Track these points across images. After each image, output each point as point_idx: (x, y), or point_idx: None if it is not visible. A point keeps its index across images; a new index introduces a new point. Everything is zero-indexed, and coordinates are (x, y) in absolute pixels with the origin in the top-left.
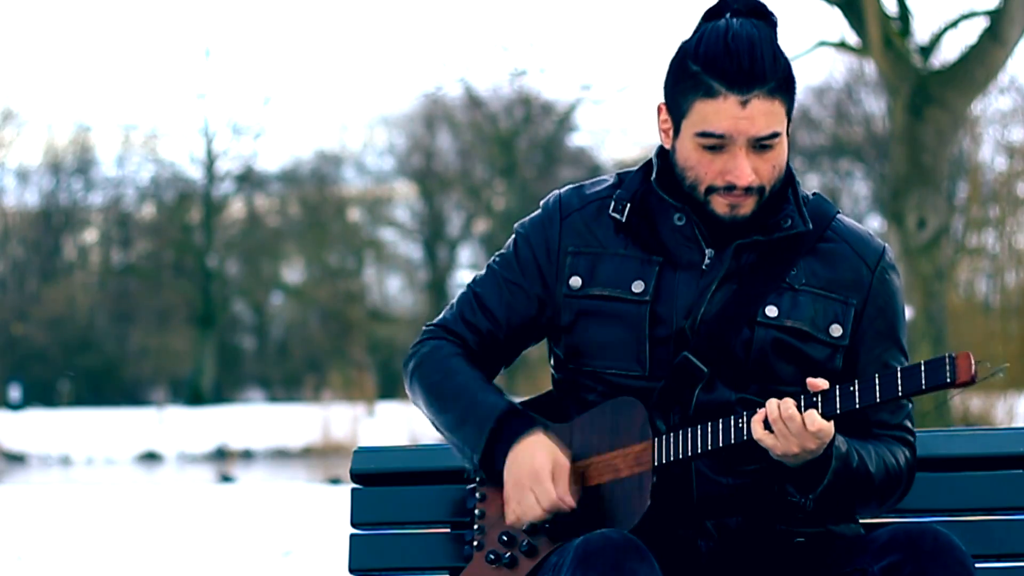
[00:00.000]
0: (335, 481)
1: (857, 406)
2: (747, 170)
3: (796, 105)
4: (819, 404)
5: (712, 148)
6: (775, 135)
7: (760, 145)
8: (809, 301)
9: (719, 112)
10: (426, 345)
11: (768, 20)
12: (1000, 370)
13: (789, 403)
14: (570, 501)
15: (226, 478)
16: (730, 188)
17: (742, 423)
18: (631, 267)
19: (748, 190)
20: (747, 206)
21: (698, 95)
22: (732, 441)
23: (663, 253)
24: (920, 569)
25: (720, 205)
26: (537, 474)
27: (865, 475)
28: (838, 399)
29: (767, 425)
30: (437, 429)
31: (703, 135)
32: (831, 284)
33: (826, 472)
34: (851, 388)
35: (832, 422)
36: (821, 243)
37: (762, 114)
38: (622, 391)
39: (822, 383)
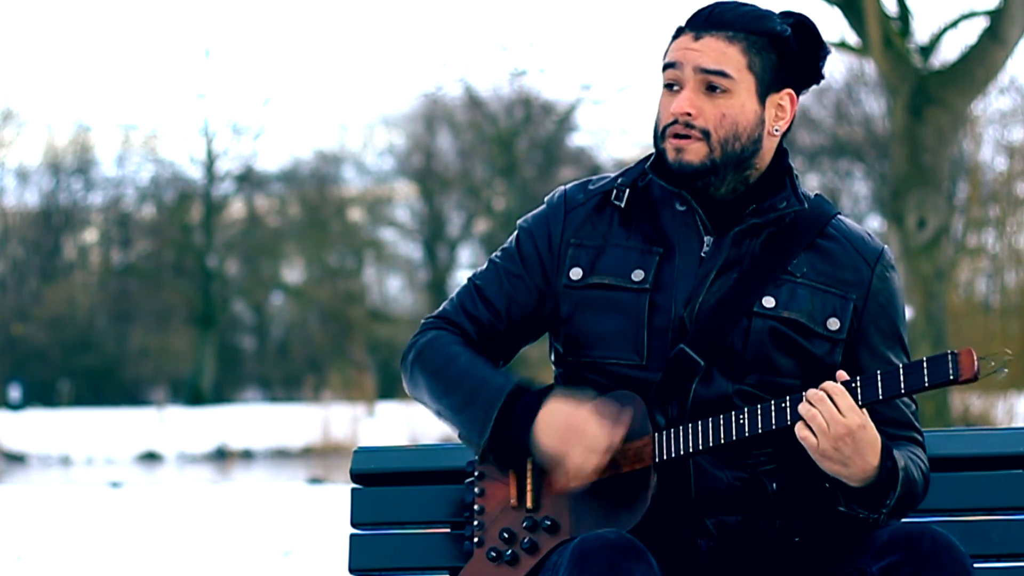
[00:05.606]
0: (316, 481)
1: (861, 403)
2: (686, 99)
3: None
4: (858, 391)
5: (670, 86)
6: (724, 74)
7: (710, 86)
8: (807, 294)
9: (676, 46)
10: (425, 335)
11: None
12: (1002, 368)
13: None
14: (620, 432)
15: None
16: (676, 123)
17: (748, 416)
18: (632, 257)
19: (689, 127)
20: (692, 151)
21: (670, 42)
22: (746, 434)
23: (663, 243)
24: (918, 570)
25: (669, 150)
26: (581, 425)
27: (914, 484)
28: (860, 389)
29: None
30: (440, 417)
31: (663, 70)
32: (831, 280)
33: (895, 486)
34: (854, 385)
35: (865, 411)
36: (822, 240)
37: (713, 49)
38: (621, 381)
39: (843, 375)
